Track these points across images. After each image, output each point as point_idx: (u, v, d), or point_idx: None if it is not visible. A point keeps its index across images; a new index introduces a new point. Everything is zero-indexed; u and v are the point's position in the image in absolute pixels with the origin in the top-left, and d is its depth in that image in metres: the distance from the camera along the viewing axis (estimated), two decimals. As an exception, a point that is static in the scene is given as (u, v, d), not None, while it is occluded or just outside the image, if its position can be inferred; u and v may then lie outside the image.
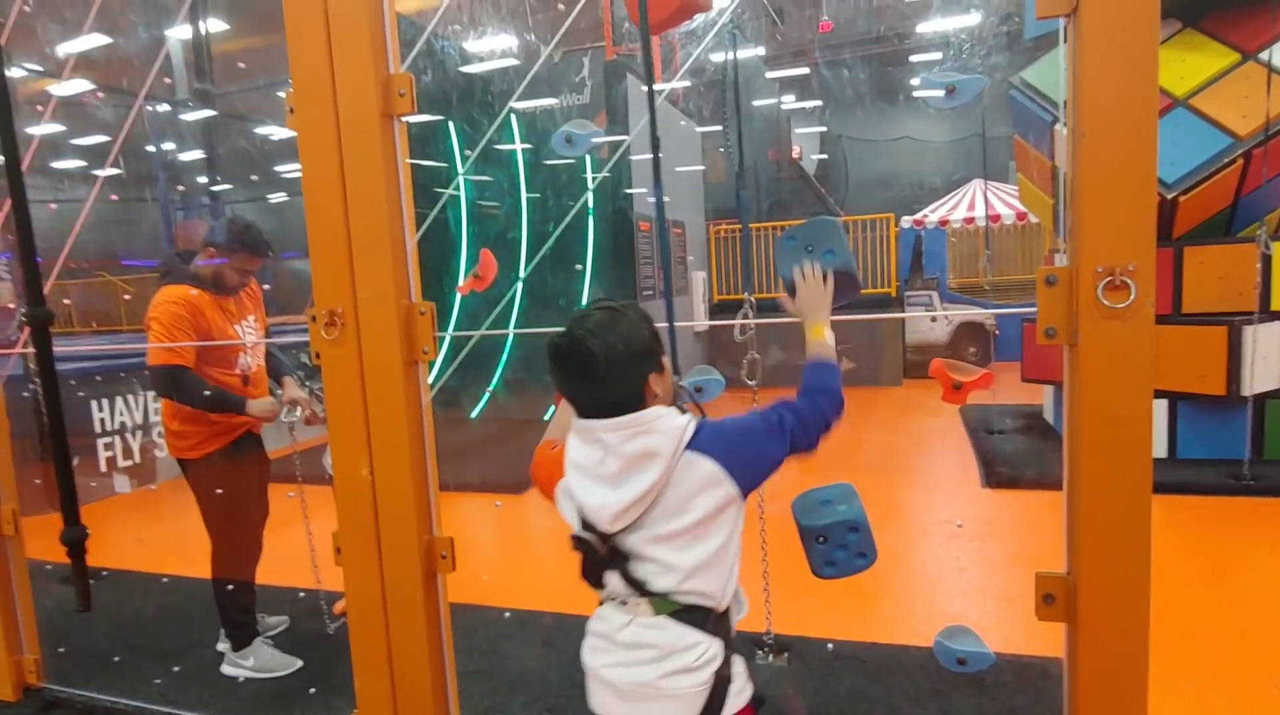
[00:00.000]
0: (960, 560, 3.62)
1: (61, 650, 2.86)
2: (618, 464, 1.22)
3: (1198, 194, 4.61)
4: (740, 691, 1.27)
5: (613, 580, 1.26)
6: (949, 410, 7.14)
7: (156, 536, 4.90)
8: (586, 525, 1.25)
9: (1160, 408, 4.83)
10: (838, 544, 1.50)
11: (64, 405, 4.81)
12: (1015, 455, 5.24)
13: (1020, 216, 10.65)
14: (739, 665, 1.28)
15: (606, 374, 1.21)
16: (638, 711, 1.25)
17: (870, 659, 2.61)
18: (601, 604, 1.32)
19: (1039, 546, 3.69)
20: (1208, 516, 4.05)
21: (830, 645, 2.72)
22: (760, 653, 2.65)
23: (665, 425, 1.22)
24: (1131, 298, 1.33)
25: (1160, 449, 4.86)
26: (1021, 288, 11.09)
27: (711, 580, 1.24)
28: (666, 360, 1.32)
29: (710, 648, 1.24)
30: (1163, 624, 2.79)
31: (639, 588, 1.24)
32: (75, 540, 2.49)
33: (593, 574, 1.28)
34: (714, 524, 1.23)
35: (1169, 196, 4.62)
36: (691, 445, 1.23)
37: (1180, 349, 4.69)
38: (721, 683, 1.24)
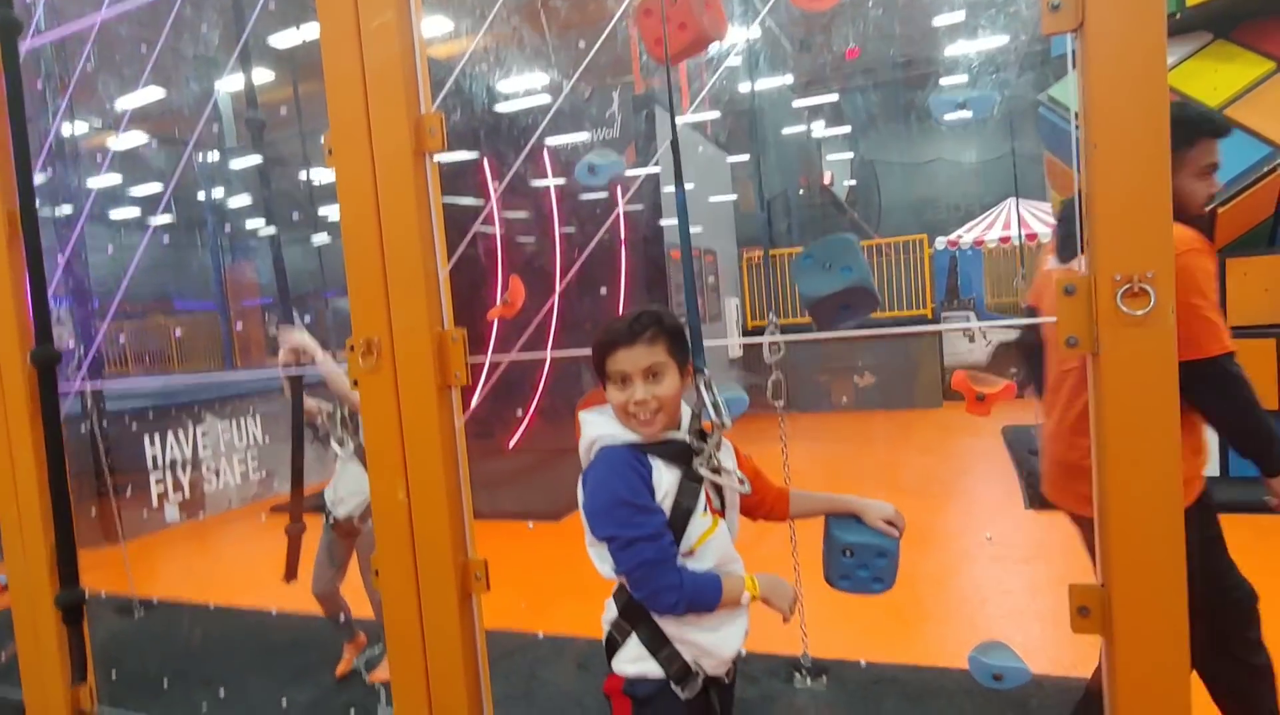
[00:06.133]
0: (1004, 582, 3.54)
1: (114, 676, 2.95)
2: None
3: (1237, 204, 4.51)
4: (629, 660, 1.33)
5: None
6: (990, 431, 7.00)
7: (204, 568, 5.05)
8: None
9: (1210, 424, 4.69)
10: (861, 563, 1.50)
11: (118, 441, 5.01)
12: (1059, 476, 5.12)
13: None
14: (632, 642, 1.33)
15: None
16: None
17: (911, 682, 2.56)
18: None
19: (1085, 568, 3.59)
20: (1265, 535, 3.90)
21: (868, 665, 2.68)
22: (798, 675, 2.62)
23: (587, 431, 1.36)
24: (1151, 304, 1.33)
25: (1212, 467, 4.70)
26: (1062, 306, 10.86)
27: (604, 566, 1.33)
28: (604, 387, 1.35)
29: (610, 610, 1.38)
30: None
31: None
32: (72, 604, 2.46)
33: None
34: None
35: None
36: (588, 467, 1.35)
37: (1228, 363, 4.56)
38: (610, 639, 1.36)
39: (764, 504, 1.52)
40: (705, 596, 1.25)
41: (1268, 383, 4.39)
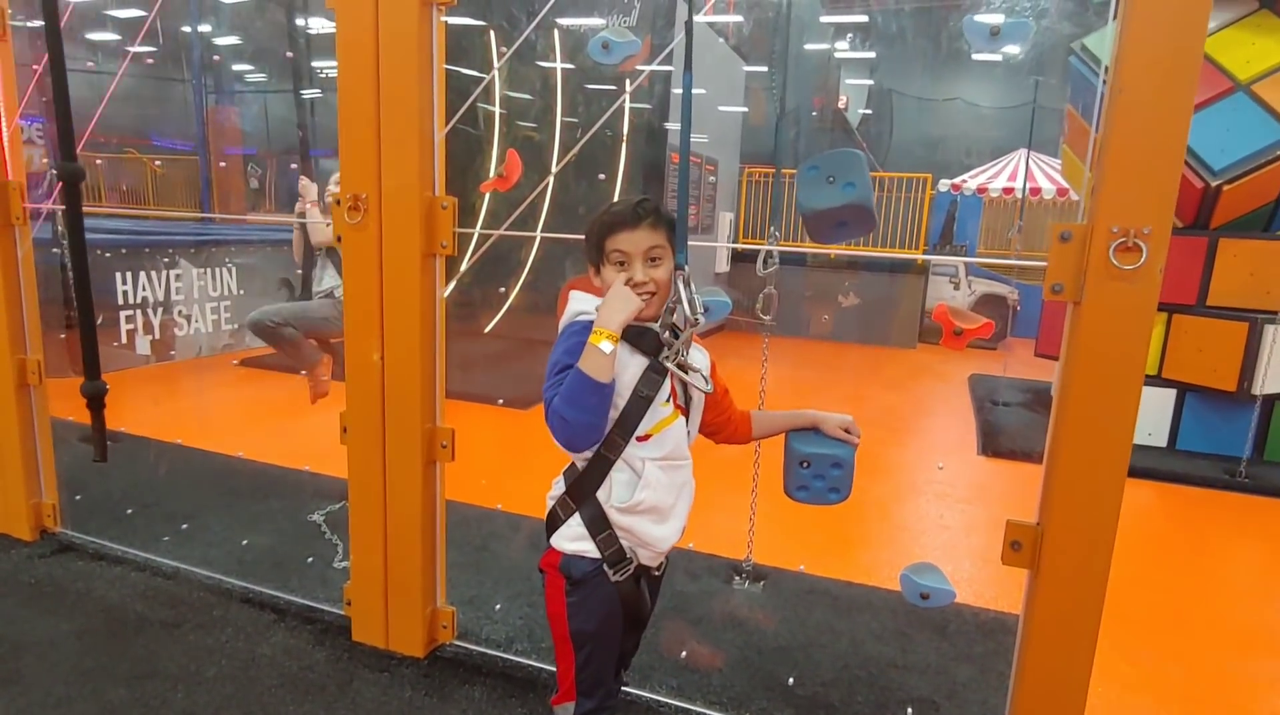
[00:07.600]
0: (944, 518, 3.70)
1: (78, 498, 3.01)
2: None
3: (1243, 185, 4.49)
4: (568, 538, 1.37)
5: None
6: (958, 377, 7.15)
7: (173, 409, 5.08)
8: None
9: (1168, 397, 4.83)
10: (817, 473, 1.55)
11: (90, 272, 4.95)
12: (1016, 428, 5.27)
13: (1061, 192, 10.40)
14: (574, 522, 1.36)
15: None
16: None
17: (842, 596, 2.70)
18: None
19: (1025, 516, 3.76)
20: (1198, 507, 4.09)
21: (803, 575, 2.82)
22: (738, 578, 2.76)
23: (573, 305, 1.37)
24: (1142, 260, 1.34)
25: (1161, 437, 4.88)
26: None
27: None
28: (599, 267, 1.37)
29: (557, 487, 1.41)
30: (1131, 599, 2.88)
31: None
32: (95, 394, 2.60)
33: None
34: None
35: (1213, 184, 4.51)
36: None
37: (1198, 341, 4.66)
38: (553, 515, 1.40)
39: (728, 425, 1.55)
40: (574, 392, 1.24)
41: (1233, 364, 4.50)
